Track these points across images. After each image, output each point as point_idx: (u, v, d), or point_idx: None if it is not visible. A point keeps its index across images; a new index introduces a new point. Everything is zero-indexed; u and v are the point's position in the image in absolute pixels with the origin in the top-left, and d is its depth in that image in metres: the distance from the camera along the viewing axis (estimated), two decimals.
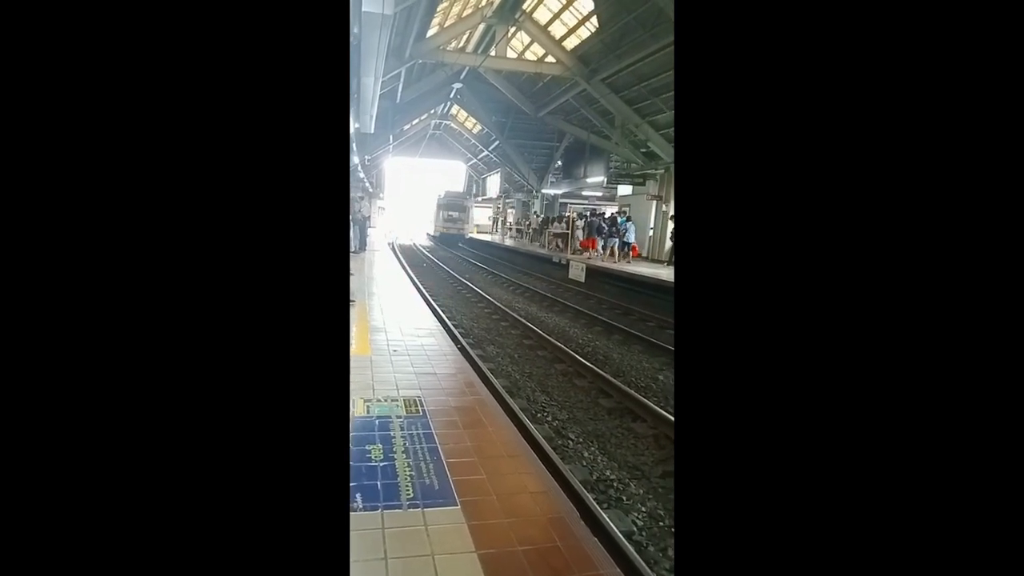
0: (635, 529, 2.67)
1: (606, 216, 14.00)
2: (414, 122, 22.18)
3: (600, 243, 13.16)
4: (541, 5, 12.77)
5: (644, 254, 13.52)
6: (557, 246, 15.81)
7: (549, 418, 4.06)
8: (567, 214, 16.78)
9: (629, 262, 12.38)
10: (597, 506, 2.68)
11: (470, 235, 22.68)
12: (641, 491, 3.07)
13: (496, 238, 24.39)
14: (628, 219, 13.45)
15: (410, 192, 38.44)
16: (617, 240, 12.77)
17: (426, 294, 8.45)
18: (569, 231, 14.70)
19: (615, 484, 3.13)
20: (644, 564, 2.28)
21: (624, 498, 2.99)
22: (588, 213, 14.96)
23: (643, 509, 2.88)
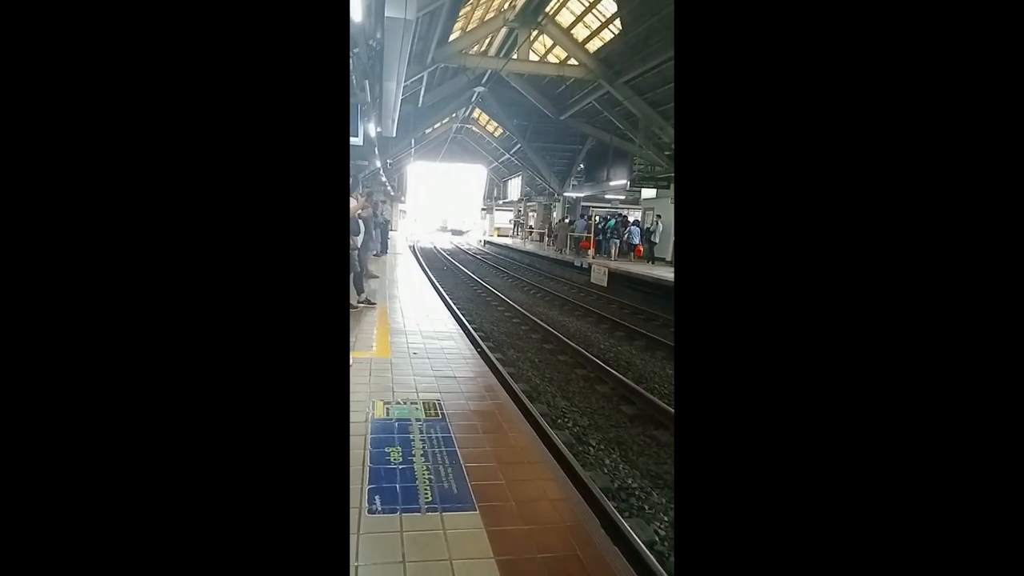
0: (657, 539, 2.61)
1: (605, 218, 16.09)
2: (436, 126, 22.37)
3: (597, 243, 15.20)
4: (564, 8, 12.76)
5: (667, 257, 13.66)
6: (565, 247, 17.24)
7: (570, 424, 4.01)
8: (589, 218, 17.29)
9: (631, 260, 13.92)
10: (618, 514, 2.63)
11: (487, 237, 30.68)
12: (664, 500, 3.00)
13: (517, 242, 24.42)
14: (635, 223, 15.34)
15: (432, 196, 39.66)
16: (618, 241, 14.53)
17: (446, 297, 8.48)
18: (591, 233, 15.66)
19: (637, 492, 3.07)
20: (666, 575, 2.22)
21: (646, 507, 2.92)
22: (587, 217, 17.05)
23: (665, 519, 2.81)
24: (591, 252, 14.81)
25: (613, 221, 15.38)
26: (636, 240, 14.36)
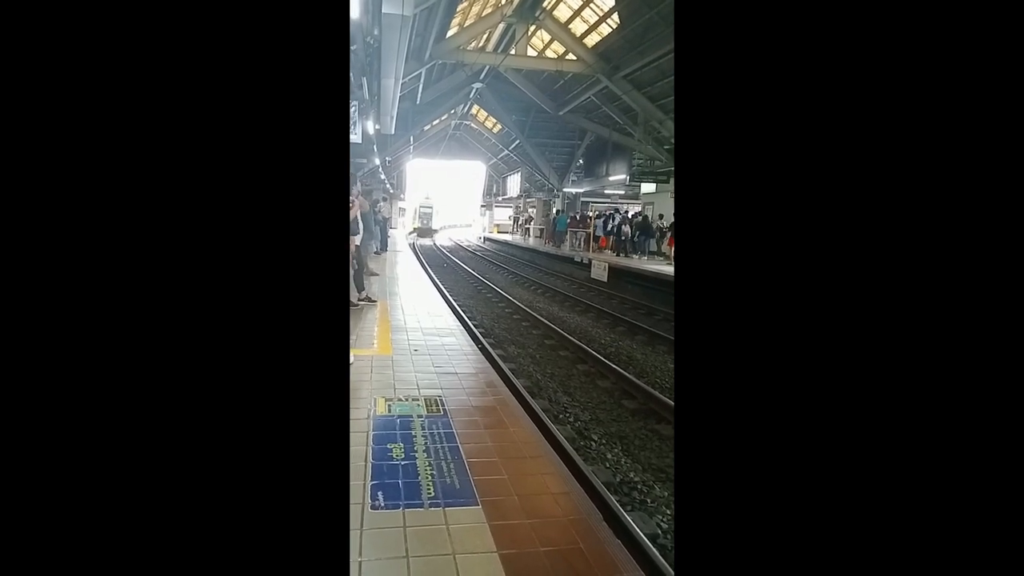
0: (660, 532, 2.62)
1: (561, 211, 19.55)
2: (434, 123, 22.31)
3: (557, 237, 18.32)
4: (561, 3, 12.70)
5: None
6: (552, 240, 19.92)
7: (571, 419, 4.02)
8: (588, 213, 18.21)
9: (600, 251, 15.21)
10: (620, 508, 2.64)
11: (488, 234, 30.52)
12: (666, 493, 3.01)
13: (517, 238, 24.40)
14: (600, 217, 16.50)
15: (432, 193, 39.16)
16: (583, 233, 16.56)
17: (447, 294, 8.48)
18: (590, 229, 16.98)
19: (639, 486, 3.07)
20: (669, 567, 2.23)
21: (649, 500, 2.93)
22: (553, 212, 20.44)
23: (668, 512, 2.82)
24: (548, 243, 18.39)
25: (565, 216, 18.48)
26: (600, 232, 15.92)
